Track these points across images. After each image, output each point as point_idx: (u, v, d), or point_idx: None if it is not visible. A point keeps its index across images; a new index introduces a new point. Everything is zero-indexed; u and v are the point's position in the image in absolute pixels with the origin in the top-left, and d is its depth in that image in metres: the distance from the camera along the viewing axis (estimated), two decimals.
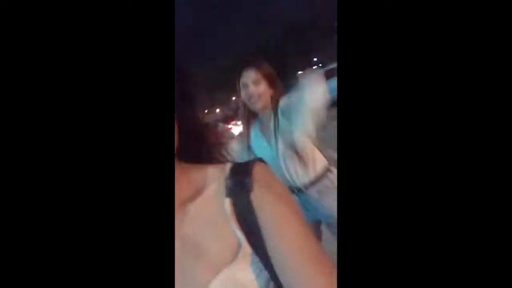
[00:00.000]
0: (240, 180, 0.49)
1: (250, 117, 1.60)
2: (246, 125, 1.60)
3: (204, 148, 0.56)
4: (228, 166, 0.52)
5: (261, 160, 0.52)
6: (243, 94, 1.53)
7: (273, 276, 0.45)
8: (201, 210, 0.49)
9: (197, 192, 0.50)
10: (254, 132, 1.58)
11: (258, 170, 0.50)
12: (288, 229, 0.44)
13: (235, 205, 0.48)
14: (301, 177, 1.48)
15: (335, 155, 1.52)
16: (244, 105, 1.57)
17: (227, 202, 0.48)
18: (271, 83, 1.50)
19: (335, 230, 1.47)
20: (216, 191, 0.50)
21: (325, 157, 1.51)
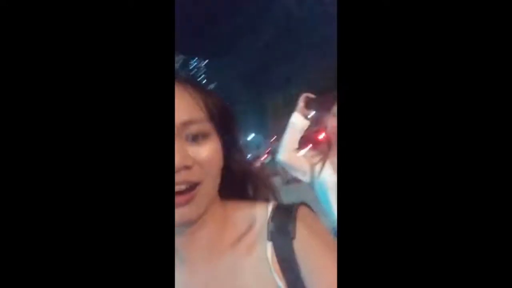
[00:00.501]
0: (283, 225, 0.48)
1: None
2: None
3: (248, 186, 0.55)
4: (270, 206, 0.52)
5: (305, 204, 0.51)
6: (331, 124, 1.53)
7: None
8: (245, 253, 0.49)
9: (239, 237, 0.50)
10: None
11: (302, 216, 0.49)
12: (334, 281, 0.41)
13: (277, 251, 0.47)
14: None
15: None
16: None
17: (269, 247, 0.47)
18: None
19: None
20: (258, 234, 0.49)
21: None
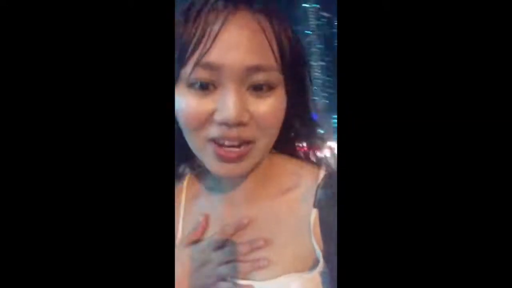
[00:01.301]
0: (333, 194, 0.44)
1: None
2: None
3: (304, 145, 0.53)
4: (322, 172, 0.49)
5: None
6: None
7: None
8: (285, 211, 0.48)
9: (282, 192, 0.49)
10: None
11: None
12: None
13: (322, 220, 0.45)
14: None
15: None
16: None
17: (314, 213, 0.46)
18: None
19: None
20: (304, 196, 0.48)
21: None
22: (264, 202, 0.50)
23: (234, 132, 0.41)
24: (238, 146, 0.42)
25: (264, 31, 0.41)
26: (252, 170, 0.46)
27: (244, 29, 0.40)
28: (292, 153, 0.53)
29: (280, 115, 0.44)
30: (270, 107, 0.42)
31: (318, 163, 0.52)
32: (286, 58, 0.43)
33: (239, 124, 0.40)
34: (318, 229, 0.45)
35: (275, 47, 0.41)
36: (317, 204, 0.46)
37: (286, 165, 0.51)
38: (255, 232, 0.49)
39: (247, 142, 0.42)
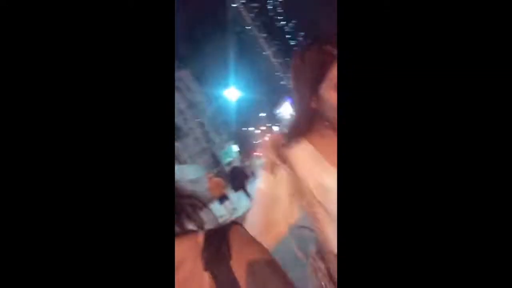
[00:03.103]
0: (217, 249, 0.45)
1: None
2: None
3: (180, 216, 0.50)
4: (201, 236, 0.48)
5: (236, 223, 0.50)
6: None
7: None
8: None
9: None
10: None
11: (234, 235, 0.47)
12: None
13: (215, 278, 0.44)
14: None
15: None
16: None
17: (206, 276, 0.44)
18: None
19: None
20: (192, 268, 0.45)
21: None
22: None
23: None
24: None
25: None
26: None
27: None
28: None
29: None
30: None
31: (196, 225, 0.50)
32: None
33: None
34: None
35: None
36: (205, 267, 0.44)
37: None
38: None
39: None
